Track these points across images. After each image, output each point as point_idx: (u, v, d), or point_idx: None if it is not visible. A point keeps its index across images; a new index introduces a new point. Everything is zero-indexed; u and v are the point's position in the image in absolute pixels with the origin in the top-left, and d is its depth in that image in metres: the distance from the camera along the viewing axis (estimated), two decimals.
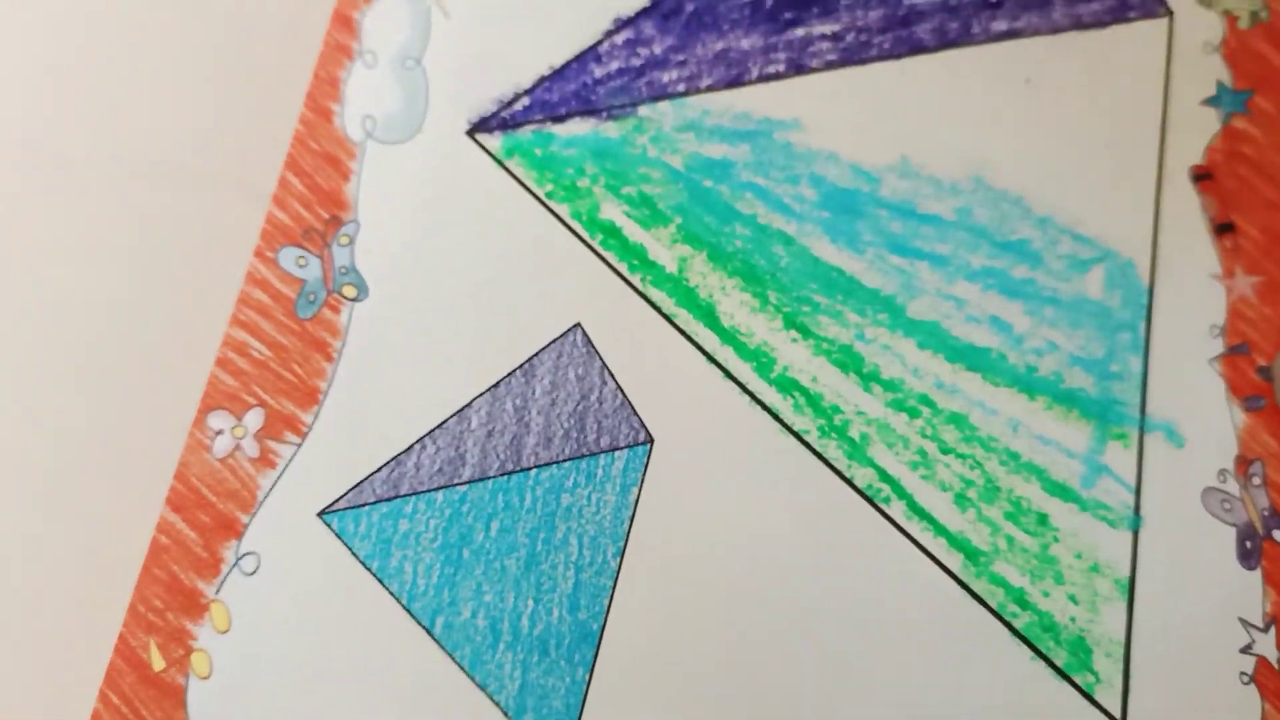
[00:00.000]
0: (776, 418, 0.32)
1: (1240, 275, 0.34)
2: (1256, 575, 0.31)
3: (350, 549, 0.30)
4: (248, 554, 0.30)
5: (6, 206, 0.34)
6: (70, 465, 0.31)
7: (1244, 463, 0.32)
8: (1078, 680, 0.29)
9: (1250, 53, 0.37)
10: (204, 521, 0.30)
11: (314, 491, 0.31)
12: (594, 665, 0.29)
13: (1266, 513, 0.31)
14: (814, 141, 0.35)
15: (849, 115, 0.36)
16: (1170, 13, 0.37)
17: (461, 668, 0.29)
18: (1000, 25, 0.37)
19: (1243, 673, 0.29)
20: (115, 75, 0.35)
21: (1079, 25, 0.37)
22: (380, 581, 0.30)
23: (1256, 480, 0.31)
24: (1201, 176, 0.35)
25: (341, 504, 0.31)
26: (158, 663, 0.29)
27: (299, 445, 0.31)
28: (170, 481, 0.31)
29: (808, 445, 0.32)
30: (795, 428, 0.32)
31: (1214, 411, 0.32)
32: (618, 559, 0.30)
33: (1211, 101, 0.36)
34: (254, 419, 0.31)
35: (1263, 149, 0.35)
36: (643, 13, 0.37)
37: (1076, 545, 0.31)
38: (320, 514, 0.30)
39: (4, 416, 0.31)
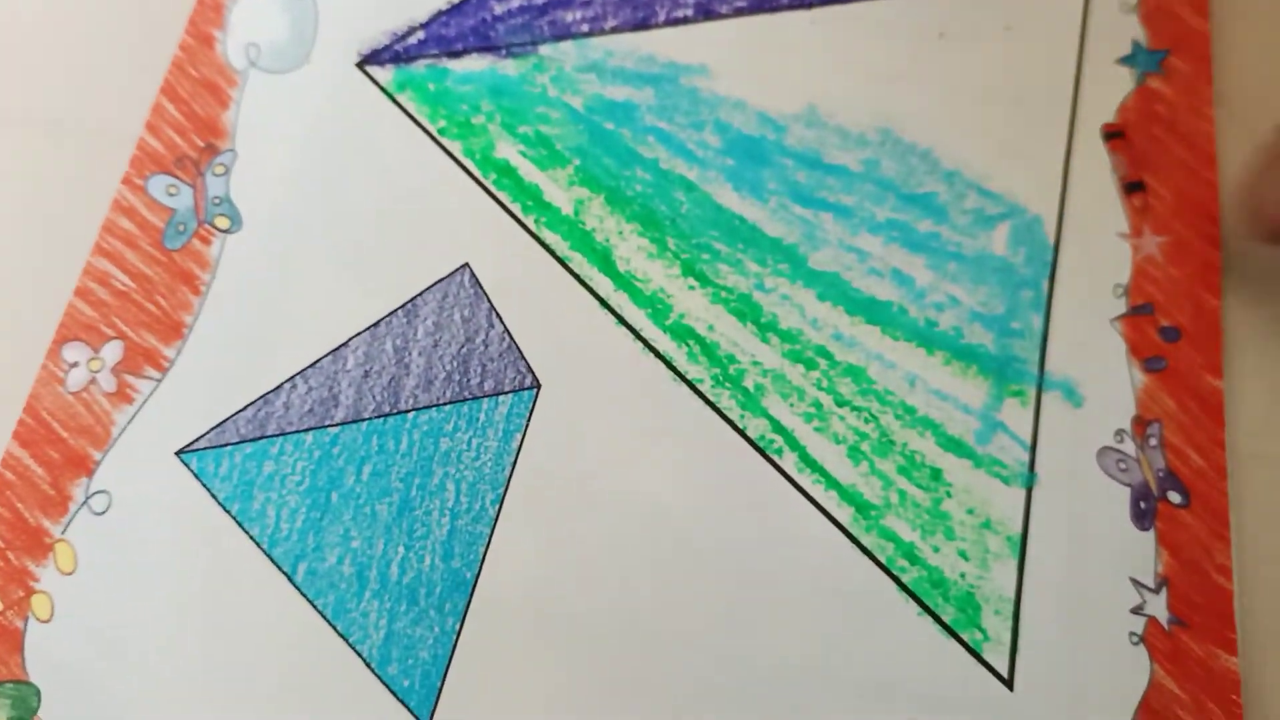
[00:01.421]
0: (670, 365, 0.31)
1: (1148, 234, 0.34)
2: (1150, 536, 0.31)
3: (209, 490, 0.29)
4: (98, 492, 0.29)
5: None
6: None
7: (1141, 424, 0.32)
8: (965, 637, 0.29)
9: (1167, 14, 0.37)
10: (53, 458, 0.29)
11: (173, 429, 0.30)
12: (465, 615, 0.28)
13: (1162, 474, 0.31)
14: (720, 88, 0.35)
15: (757, 63, 0.35)
16: None
17: (324, 616, 0.28)
18: None
19: (1132, 633, 0.29)
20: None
21: None
22: (240, 525, 0.29)
23: (1153, 441, 0.31)
24: (1113, 135, 0.35)
25: (202, 443, 0.29)
26: None
27: (159, 381, 0.30)
28: (20, 415, 0.29)
29: (700, 394, 0.31)
30: (688, 376, 0.31)
31: (1114, 371, 0.32)
32: (496, 506, 0.29)
33: (1126, 60, 0.36)
34: (112, 352, 0.30)
35: (1175, 109, 0.35)
36: None
37: (969, 501, 0.30)
38: (179, 453, 0.29)
39: None
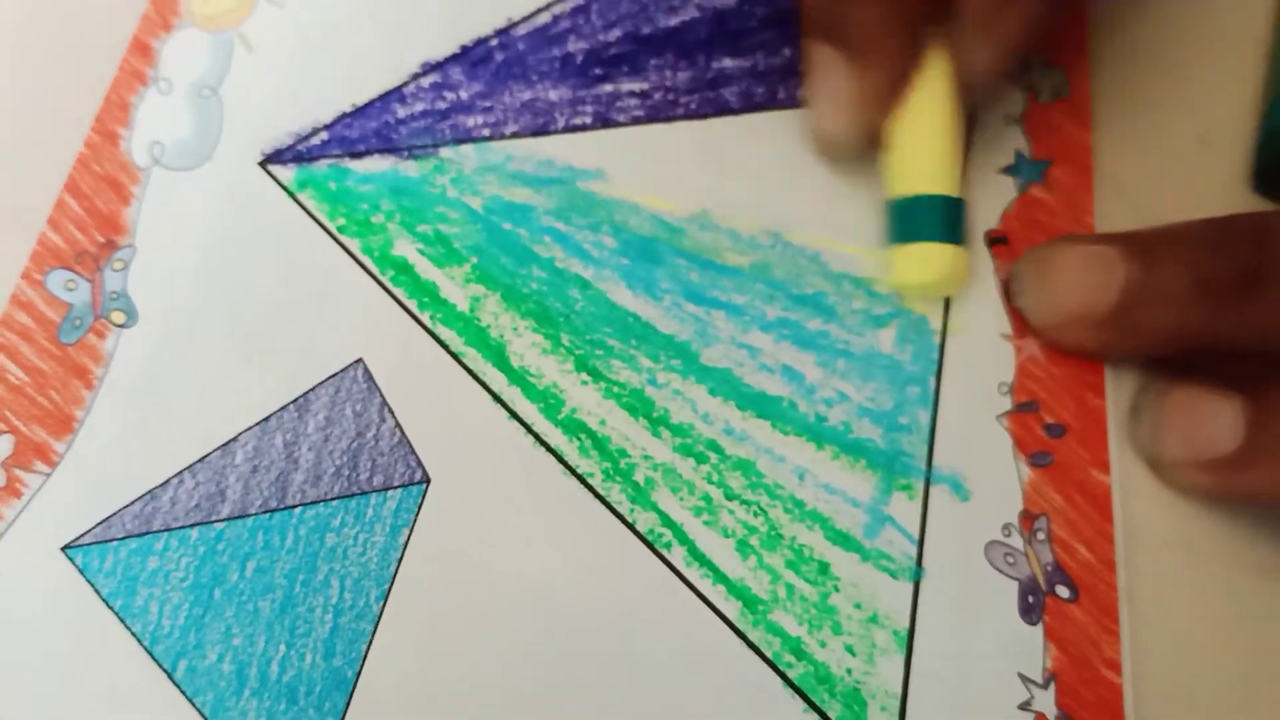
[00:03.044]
0: (561, 459, 0.32)
1: (1030, 336, 0.36)
2: (1038, 630, 0.32)
3: (93, 586, 0.29)
4: None
5: None
6: None
7: (1029, 518, 0.33)
8: None
9: (1050, 126, 0.39)
10: None
11: (61, 524, 0.30)
12: (344, 715, 0.29)
13: (1050, 568, 0.32)
14: (616, 191, 0.37)
15: (652, 168, 0.37)
16: None
17: (202, 714, 0.28)
18: None
19: None
20: None
21: None
22: (123, 621, 0.29)
23: (1041, 535, 0.33)
24: (996, 241, 0.37)
25: (87, 538, 0.30)
26: None
27: (48, 475, 0.30)
28: None
29: (591, 488, 0.32)
30: (579, 470, 0.32)
31: (1000, 466, 0.34)
32: (381, 603, 0.30)
33: (1010, 170, 0.39)
34: (3, 446, 0.31)
35: (1057, 215, 0.38)
36: (452, 58, 0.38)
37: (856, 595, 0.31)
38: (64, 548, 0.30)
39: None
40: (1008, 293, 0.36)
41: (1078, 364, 0.35)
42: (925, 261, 0.35)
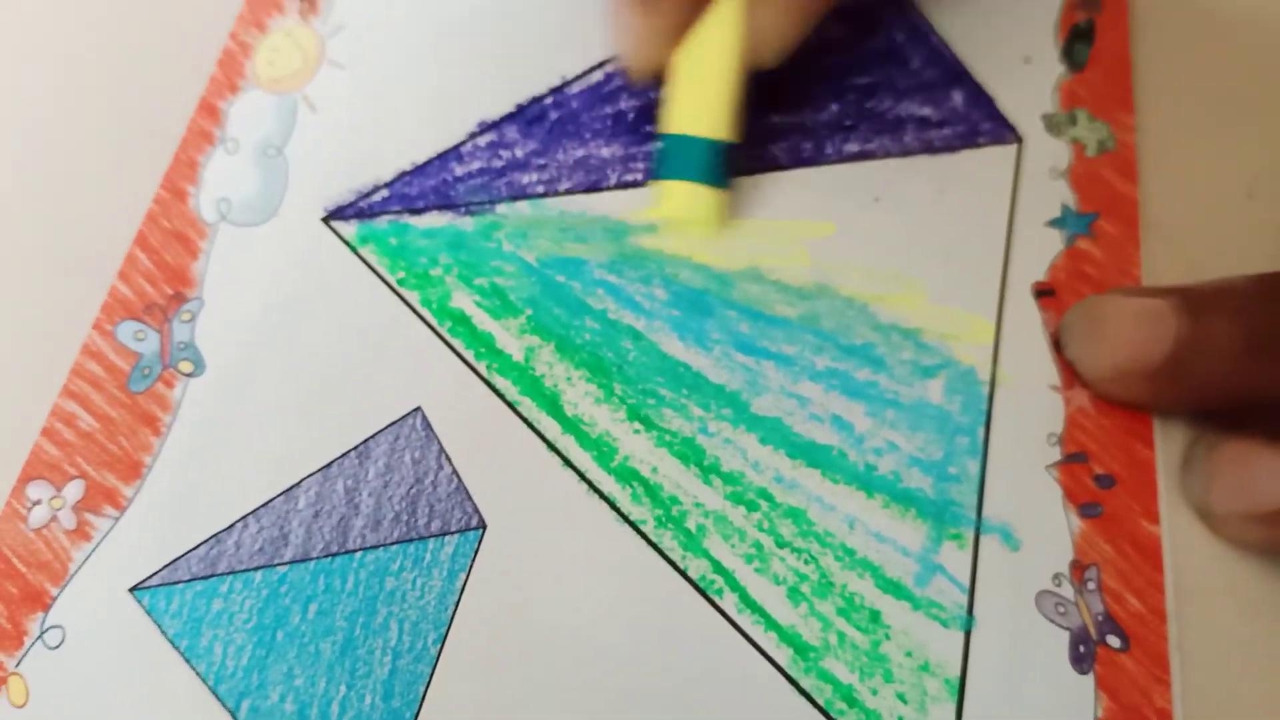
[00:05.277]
0: (614, 506, 0.34)
1: (1079, 387, 0.37)
2: (1089, 680, 0.33)
3: (159, 626, 0.31)
4: (53, 627, 0.31)
5: None
6: None
7: (1079, 568, 0.34)
8: None
9: (1096, 179, 0.41)
10: (11, 592, 0.31)
11: (128, 566, 0.32)
12: None
13: (1100, 617, 0.33)
14: (667, 246, 0.38)
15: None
16: (1020, 140, 0.42)
17: None
18: (853, 147, 0.41)
19: None
20: None
21: (930, 149, 0.41)
22: (188, 661, 0.31)
23: (1091, 585, 0.34)
24: (1044, 293, 0.39)
25: (154, 580, 0.32)
26: None
27: (117, 519, 0.32)
28: None
29: (643, 535, 0.34)
30: (632, 517, 0.34)
31: (1050, 517, 0.35)
32: (438, 646, 0.31)
33: (1056, 223, 0.40)
34: (74, 491, 0.33)
35: (1104, 268, 0.39)
36: (508, 117, 0.40)
37: (907, 643, 0.33)
38: (132, 589, 0.32)
39: None
40: (1057, 344, 0.38)
41: (1127, 415, 0.37)
42: (681, 199, 0.38)
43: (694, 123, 0.37)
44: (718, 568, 0.33)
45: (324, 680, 0.31)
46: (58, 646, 0.31)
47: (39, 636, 0.31)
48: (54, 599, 0.31)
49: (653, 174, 0.39)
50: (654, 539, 0.33)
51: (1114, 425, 0.36)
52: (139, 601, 0.31)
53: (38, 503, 0.32)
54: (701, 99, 0.37)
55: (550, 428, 0.35)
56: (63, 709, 0.30)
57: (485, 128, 0.40)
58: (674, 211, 0.38)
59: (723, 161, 0.38)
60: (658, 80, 0.38)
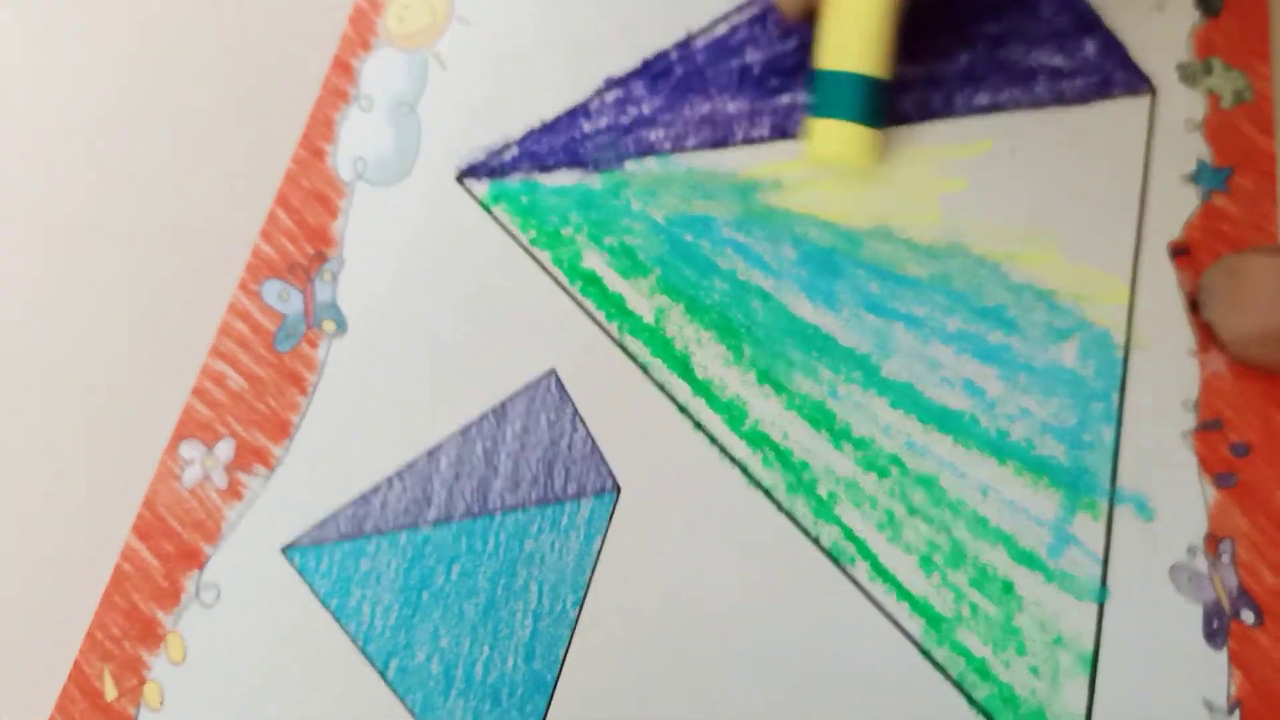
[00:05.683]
0: (745, 471, 0.31)
1: (1216, 350, 0.33)
2: (1223, 656, 0.30)
3: (310, 586, 0.29)
4: (208, 586, 0.29)
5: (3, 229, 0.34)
6: (41, 487, 0.30)
7: (1213, 540, 0.31)
8: None
9: (1232, 131, 0.36)
10: (168, 550, 0.30)
11: (279, 526, 0.30)
12: (545, 717, 0.28)
13: (1235, 592, 0.30)
14: (795, 203, 0.35)
15: (831, 179, 0.35)
16: (1154, 91, 0.37)
17: (412, 713, 0.28)
18: (983, 99, 0.36)
19: None
20: (132, 116, 0.35)
21: (1062, 100, 0.36)
22: (338, 620, 0.29)
23: (1225, 559, 0.31)
24: (1179, 252, 0.35)
25: (305, 540, 0.30)
26: (110, 691, 0.28)
27: (267, 478, 0.31)
28: (138, 508, 0.30)
29: (775, 500, 0.31)
30: (763, 482, 0.31)
31: (1185, 487, 0.31)
32: (577, 608, 0.29)
33: (1192, 178, 0.36)
34: (225, 450, 0.31)
35: (1240, 226, 0.35)
36: (633, 74, 0.37)
37: (1041, 616, 0.30)
38: (283, 549, 0.30)
39: None
40: (1193, 306, 0.33)
41: (1264, 380, 0.33)
42: (836, 138, 0.34)
43: (847, 58, 0.33)
44: (849, 535, 0.30)
45: (468, 641, 0.29)
46: (213, 605, 0.29)
47: (195, 595, 0.29)
48: (208, 558, 0.30)
49: (809, 113, 0.35)
50: (785, 505, 0.31)
51: (1251, 391, 0.32)
52: (290, 561, 0.30)
53: (191, 462, 0.30)
54: (854, 35, 0.33)
55: (681, 390, 0.32)
56: (219, 667, 0.28)
57: (612, 84, 0.36)
58: (828, 151, 0.34)
59: (877, 99, 0.34)
60: (809, 18, 0.34)
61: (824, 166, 0.35)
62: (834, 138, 0.33)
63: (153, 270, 0.33)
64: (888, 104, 0.34)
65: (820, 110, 0.34)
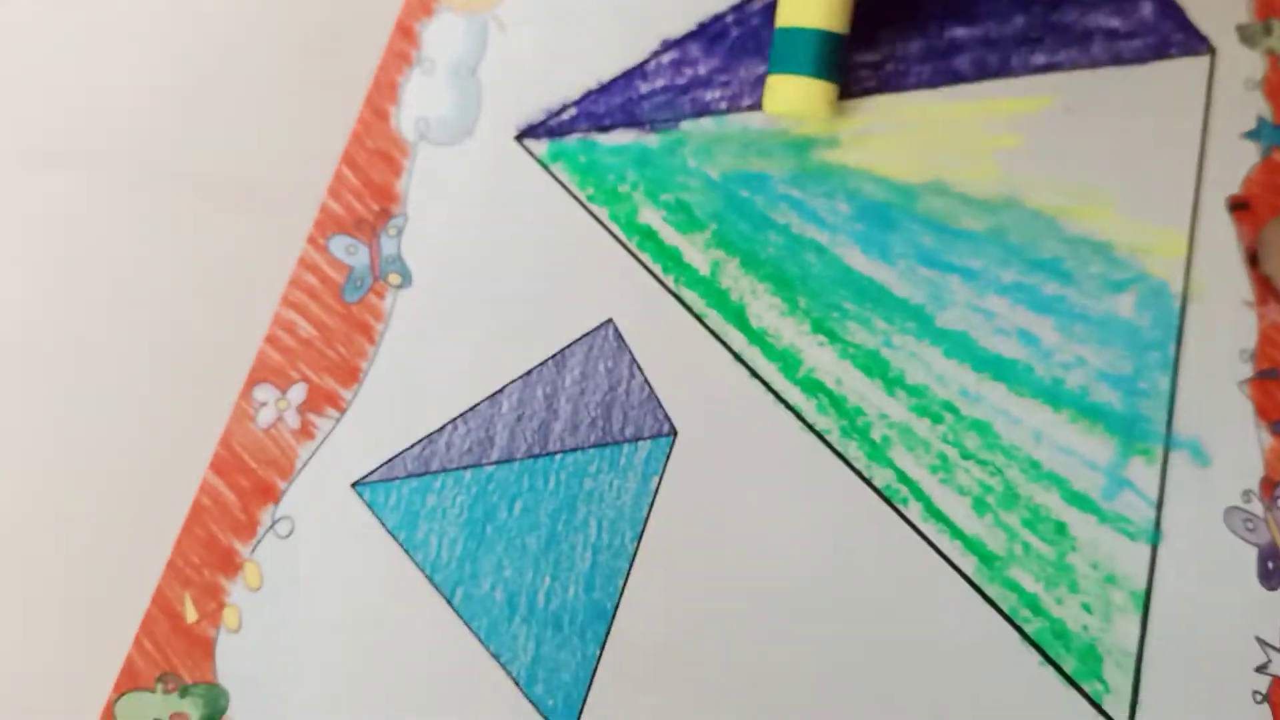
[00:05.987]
0: (799, 417, 0.32)
1: (1273, 303, 0.33)
2: (1277, 596, 0.30)
3: (380, 519, 0.31)
4: (283, 518, 0.31)
5: (79, 183, 0.36)
6: (125, 429, 0.32)
7: (1269, 485, 0.31)
8: (1086, 688, 0.29)
9: None
10: (244, 486, 0.31)
11: (349, 463, 0.32)
12: (605, 643, 0.29)
13: None
14: (850, 159, 0.36)
15: (886, 135, 0.36)
16: (1213, 51, 0.37)
17: (478, 637, 0.30)
18: (1039, 59, 0.37)
19: (1256, 691, 0.29)
20: (209, 82, 0.37)
21: (1119, 61, 0.37)
22: (406, 551, 0.31)
23: None
24: (1238, 206, 0.35)
25: (374, 476, 0.31)
26: (191, 614, 0.30)
27: (338, 419, 0.32)
28: (215, 447, 0.32)
29: (829, 444, 0.32)
30: (817, 427, 0.32)
31: (1241, 433, 0.32)
32: (635, 543, 0.31)
33: (1251, 135, 0.36)
34: (297, 393, 0.32)
35: None
36: (689, 35, 0.38)
37: (1093, 555, 0.30)
38: (353, 485, 0.31)
39: (71, 377, 0.33)
40: (1252, 259, 0.34)
41: None
42: (789, 93, 0.35)
43: (803, 14, 0.35)
44: (902, 477, 0.31)
45: (530, 572, 0.30)
46: (287, 536, 0.31)
47: (270, 526, 0.31)
48: (283, 492, 0.31)
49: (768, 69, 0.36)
50: (839, 448, 0.32)
51: None
52: (360, 496, 0.31)
53: (264, 404, 0.32)
54: None
55: (736, 339, 0.33)
56: (294, 593, 0.30)
57: (668, 45, 0.38)
58: (784, 105, 0.35)
59: (831, 53, 0.35)
60: None
61: (781, 119, 0.36)
62: (789, 92, 0.34)
63: (227, 226, 0.35)
64: (844, 59, 0.35)
65: (775, 66, 0.35)
